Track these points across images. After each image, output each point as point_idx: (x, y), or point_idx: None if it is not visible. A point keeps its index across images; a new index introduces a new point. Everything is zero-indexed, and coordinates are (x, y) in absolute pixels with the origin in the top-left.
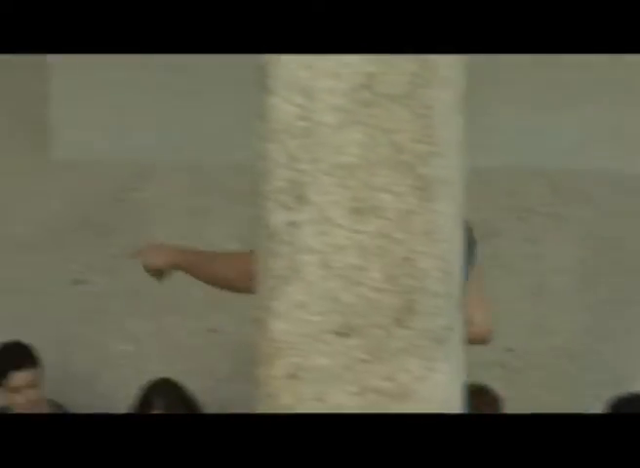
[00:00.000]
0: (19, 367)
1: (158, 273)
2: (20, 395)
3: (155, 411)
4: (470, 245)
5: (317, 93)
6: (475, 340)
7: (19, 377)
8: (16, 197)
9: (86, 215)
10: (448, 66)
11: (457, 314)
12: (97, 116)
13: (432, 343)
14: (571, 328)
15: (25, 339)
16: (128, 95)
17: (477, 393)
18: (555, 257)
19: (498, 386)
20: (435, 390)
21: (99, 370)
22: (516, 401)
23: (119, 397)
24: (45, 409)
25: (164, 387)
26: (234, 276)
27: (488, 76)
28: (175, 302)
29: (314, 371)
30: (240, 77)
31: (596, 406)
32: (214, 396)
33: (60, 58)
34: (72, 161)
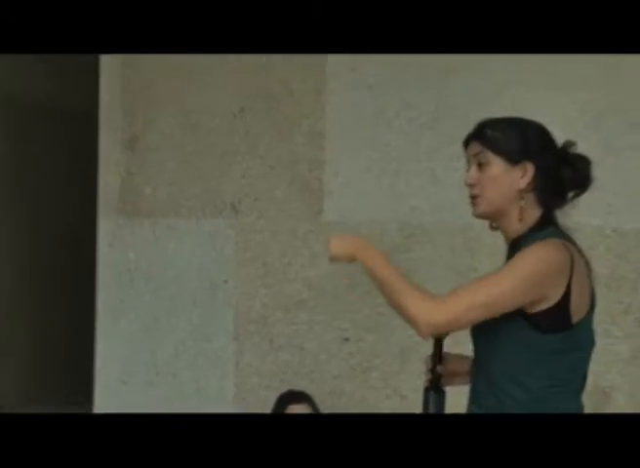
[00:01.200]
0: (298, 400)
1: (336, 261)
2: None
3: None
4: None
5: None
6: None
7: (296, 409)
8: (291, 257)
9: (354, 275)
10: None
11: None
12: (369, 180)
13: None
14: None
15: None
16: (400, 158)
17: None
18: None
19: None
20: None
21: None
22: None
23: None
24: None
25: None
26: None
27: None
28: None
29: None
30: None
31: None
32: None
33: (334, 131)
34: (345, 223)
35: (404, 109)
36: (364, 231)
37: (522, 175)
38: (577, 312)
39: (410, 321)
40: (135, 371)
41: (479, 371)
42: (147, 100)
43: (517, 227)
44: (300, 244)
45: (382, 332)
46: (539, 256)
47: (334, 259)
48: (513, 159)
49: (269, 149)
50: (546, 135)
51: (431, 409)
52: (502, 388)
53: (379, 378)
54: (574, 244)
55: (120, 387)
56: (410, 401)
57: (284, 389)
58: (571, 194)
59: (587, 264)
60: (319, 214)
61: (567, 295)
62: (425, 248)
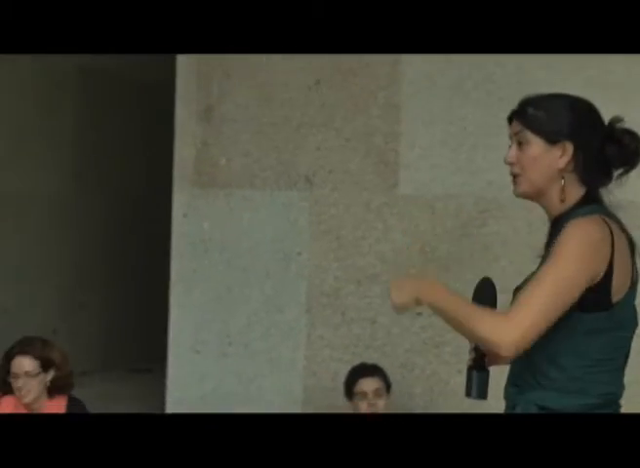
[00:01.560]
0: (370, 374)
1: (401, 310)
2: (365, 403)
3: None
4: None
5: None
6: None
7: (367, 383)
8: (364, 230)
9: (430, 249)
10: None
11: None
12: (445, 153)
13: None
14: None
15: None
16: (476, 133)
17: None
18: None
19: None
20: None
21: (435, 399)
22: None
23: None
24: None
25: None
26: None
27: None
28: None
29: None
30: None
31: None
32: None
33: (410, 103)
34: (420, 197)
35: (482, 82)
36: (439, 205)
37: (561, 155)
38: (617, 291)
39: (488, 345)
40: (207, 341)
41: None
42: (222, 72)
43: (559, 206)
44: (373, 217)
45: None
46: (582, 232)
47: (399, 310)
48: (552, 139)
49: (345, 121)
50: (593, 112)
51: (474, 389)
52: (539, 367)
53: (451, 353)
54: (616, 221)
55: (193, 356)
56: None
57: (355, 362)
58: (618, 171)
59: (630, 241)
60: (394, 188)
61: (609, 274)
62: (500, 222)
